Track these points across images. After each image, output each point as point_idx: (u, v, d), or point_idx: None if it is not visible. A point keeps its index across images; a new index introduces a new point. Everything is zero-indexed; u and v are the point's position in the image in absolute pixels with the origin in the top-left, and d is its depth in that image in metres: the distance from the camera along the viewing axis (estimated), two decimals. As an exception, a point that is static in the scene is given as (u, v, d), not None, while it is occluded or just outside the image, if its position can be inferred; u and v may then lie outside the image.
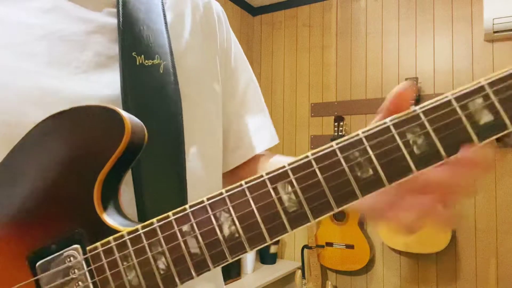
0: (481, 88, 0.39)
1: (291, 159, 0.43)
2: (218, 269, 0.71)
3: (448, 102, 0.40)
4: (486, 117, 0.39)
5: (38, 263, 0.44)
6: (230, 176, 0.78)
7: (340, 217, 2.76)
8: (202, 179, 0.64)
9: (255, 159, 0.78)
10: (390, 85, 2.79)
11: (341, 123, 2.77)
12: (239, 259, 2.57)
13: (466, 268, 2.53)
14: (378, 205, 0.47)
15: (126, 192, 0.52)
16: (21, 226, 0.45)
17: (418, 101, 2.40)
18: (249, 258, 2.65)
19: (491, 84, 0.39)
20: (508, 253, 2.43)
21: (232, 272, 2.46)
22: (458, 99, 0.40)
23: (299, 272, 2.72)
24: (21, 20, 0.53)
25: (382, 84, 2.83)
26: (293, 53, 3.22)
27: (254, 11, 3.37)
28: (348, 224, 2.74)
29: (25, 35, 0.53)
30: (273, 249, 2.90)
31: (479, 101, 0.39)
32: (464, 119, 0.39)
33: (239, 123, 0.78)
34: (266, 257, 2.90)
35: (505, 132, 0.39)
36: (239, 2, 3.19)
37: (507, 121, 0.38)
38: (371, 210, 0.49)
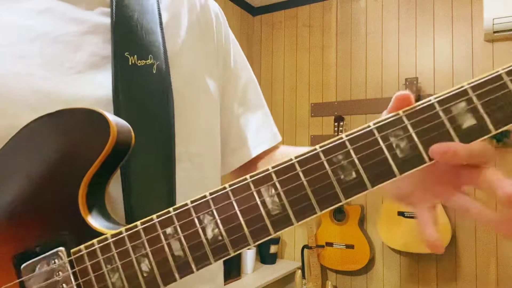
0: (464, 92, 0.39)
1: (299, 149, 0.43)
2: (219, 270, 0.71)
3: (431, 106, 0.40)
4: (469, 121, 0.39)
5: (23, 265, 0.44)
6: (238, 175, 0.78)
7: (340, 217, 2.76)
8: (195, 179, 0.64)
9: (260, 158, 0.78)
10: (390, 85, 2.79)
11: (341, 123, 2.77)
12: (240, 259, 2.57)
13: (466, 268, 2.53)
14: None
15: (115, 193, 0.52)
16: (6, 228, 0.45)
17: (418, 101, 2.39)
18: (249, 258, 2.65)
19: (474, 87, 0.39)
20: (508, 253, 2.42)
21: (232, 272, 2.46)
22: (441, 102, 0.40)
23: (299, 272, 2.72)
24: (13, 21, 0.53)
25: (382, 84, 2.83)
26: (293, 53, 3.21)
27: (254, 11, 3.37)
28: (348, 224, 2.74)
29: (17, 37, 0.52)
30: (273, 249, 2.90)
31: (462, 104, 0.39)
32: (446, 122, 0.39)
33: (240, 124, 0.77)
34: (266, 257, 2.90)
35: (488, 135, 0.39)
36: (239, 2, 3.19)
37: (490, 125, 0.39)
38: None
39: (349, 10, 3.00)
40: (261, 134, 0.79)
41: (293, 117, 3.16)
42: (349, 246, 2.72)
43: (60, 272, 0.43)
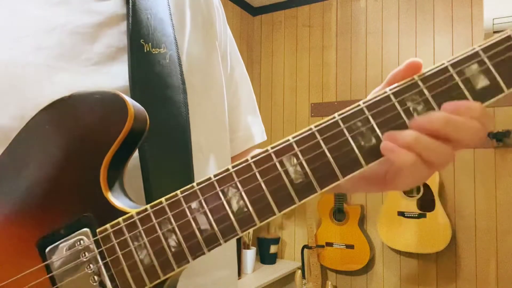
0: (476, 54, 0.40)
1: None
2: (233, 256, 0.71)
3: (445, 69, 0.41)
4: (482, 82, 0.40)
5: (48, 248, 0.44)
6: None
7: (340, 217, 2.76)
8: (208, 167, 0.65)
9: (245, 153, 0.79)
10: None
11: (341, 123, 2.77)
12: (239, 259, 2.57)
13: (466, 268, 2.53)
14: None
15: (135, 181, 0.52)
16: (29, 213, 0.45)
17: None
18: (249, 258, 2.65)
19: (485, 49, 0.40)
20: (508, 253, 2.43)
21: (232, 272, 2.44)
22: (454, 65, 0.41)
23: (299, 272, 2.72)
24: (30, 12, 0.54)
25: (382, 84, 2.83)
26: (293, 53, 3.22)
27: (254, 11, 3.38)
28: (348, 224, 2.74)
29: (35, 28, 0.53)
30: (273, 249, 2.89)
31: (474, 66, 0.40)
32: (461, 84, 0.40)
33: (233, 115, 0.78)
34: (266, 257, 2.90)
35: (501, 95, 0.40)
36: (239, 2, 3.19)
37: (502, 84, 0.40)
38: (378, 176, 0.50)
39: (349, 10, 3.01)
40: (255, 128, 0.81)
41: (293, 117, 3.16)
42: (349, 246, 2.72)
43: (86, 253, 0.43)
